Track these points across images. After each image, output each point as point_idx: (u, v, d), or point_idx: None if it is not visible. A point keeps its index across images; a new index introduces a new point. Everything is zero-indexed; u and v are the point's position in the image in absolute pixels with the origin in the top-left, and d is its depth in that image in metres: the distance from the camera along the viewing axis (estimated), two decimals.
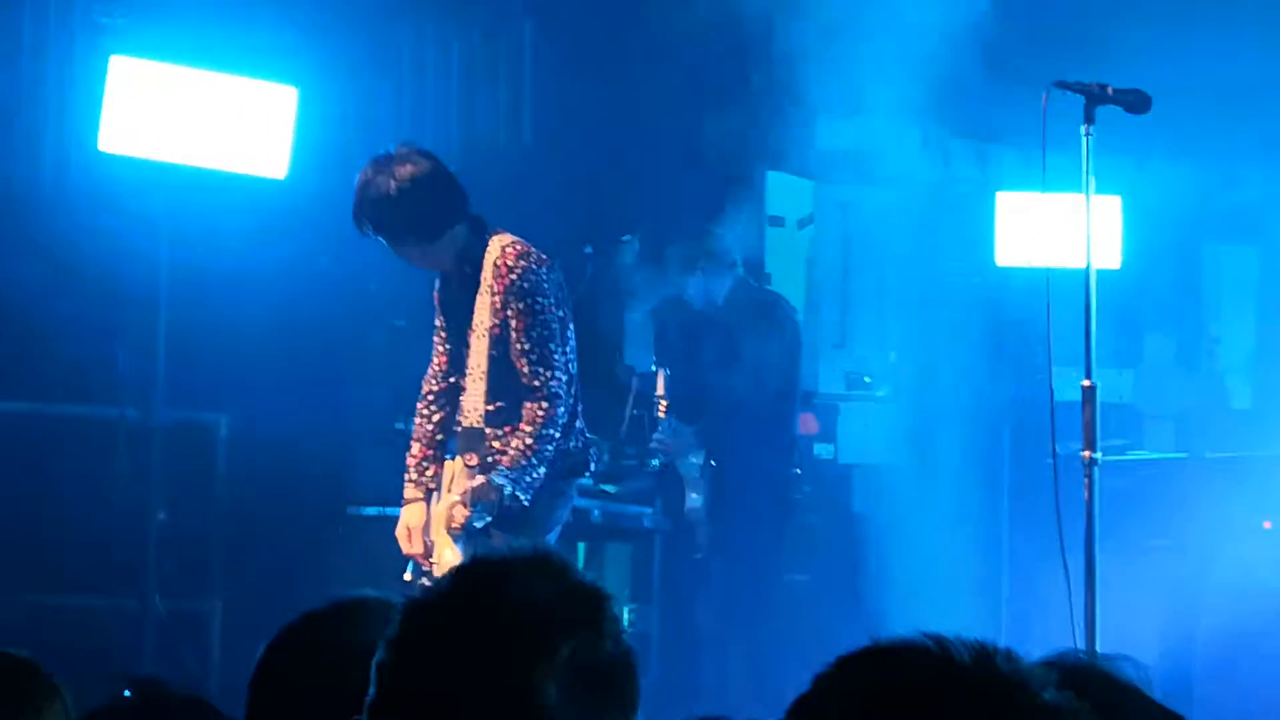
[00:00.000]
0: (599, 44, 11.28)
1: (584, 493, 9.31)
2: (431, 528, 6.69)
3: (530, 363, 6.53)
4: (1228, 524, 8.77)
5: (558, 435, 6.57)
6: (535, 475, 6.54)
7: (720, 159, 11.12)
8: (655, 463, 9.80)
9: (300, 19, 8.89)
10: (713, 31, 10.94)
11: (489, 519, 6.53)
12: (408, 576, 6.68)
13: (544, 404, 6.50)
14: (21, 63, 9.99)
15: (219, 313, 8.73)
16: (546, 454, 6.57)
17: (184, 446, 8.59)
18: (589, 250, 8.34)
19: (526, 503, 6.54)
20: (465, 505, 6.52)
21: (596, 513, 8.87)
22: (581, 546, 9.52)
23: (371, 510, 8.83)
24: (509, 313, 6.52)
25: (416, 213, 6.51)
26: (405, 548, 6.75)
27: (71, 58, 9.86)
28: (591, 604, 2.21)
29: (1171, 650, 8.68)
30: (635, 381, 10.12)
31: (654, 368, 9.74)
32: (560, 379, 6.58)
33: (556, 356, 6.57)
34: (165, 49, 8.18)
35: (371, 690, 2.18)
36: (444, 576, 2.26)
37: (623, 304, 10.60)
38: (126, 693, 2.82)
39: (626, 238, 8.81)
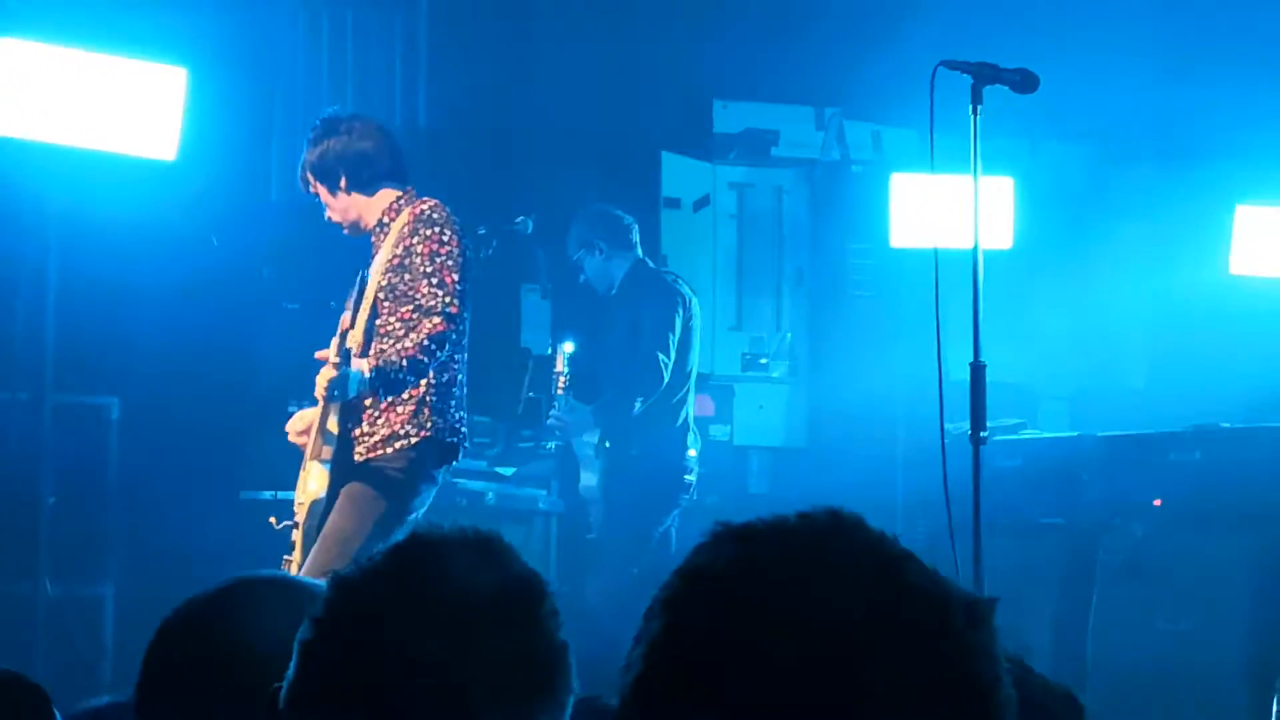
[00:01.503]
0: (494, 24, 11.24)
1: (479, 475, 9.30)
2: (304, 457, 6.74)
3: (430, 284, 6.62)
4: (1120, 502, 8.84)
5: (439, 353, 6.57)
6: (399, 377, 6.58)
7: (615, 140, 11.12)
8: (551, 445, 9.80)
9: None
10: (609, 12, 10.94)
11: (349, 393, 6.58)
12: (273, 520, 6.71)
13: (436, 319, 6.56)
14: None
15: (109, 295, 8.65)
16: (420, 367, 6.59)
17: (75, 429, 8.51)
18: (482, 231, 8.31)
19: (383, 397, 6.64)
20: (323, 382, 6.57)
21: (491, 495, 8.86)
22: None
23: (265, 494, 8.77)
24: (415, 239, 6.66)
25: (360, 158, 6.81)
26: (293, 430, 6.86)
27: None
28: (529, 595, 2.13)
29: (1063, 628, 8.75)
30: (531, 363, 10.11)
31: (550, 349, 9.74)
32: (457, 305, 6.64)
33: (458, 286, 6.65)
34: (52, 30, 8.09)
35: (292, 668, 2.10)
36: (378, 554, 2.15)
37: (517, 285, 10.58)
38: None
39: (521, 219, 8.78)
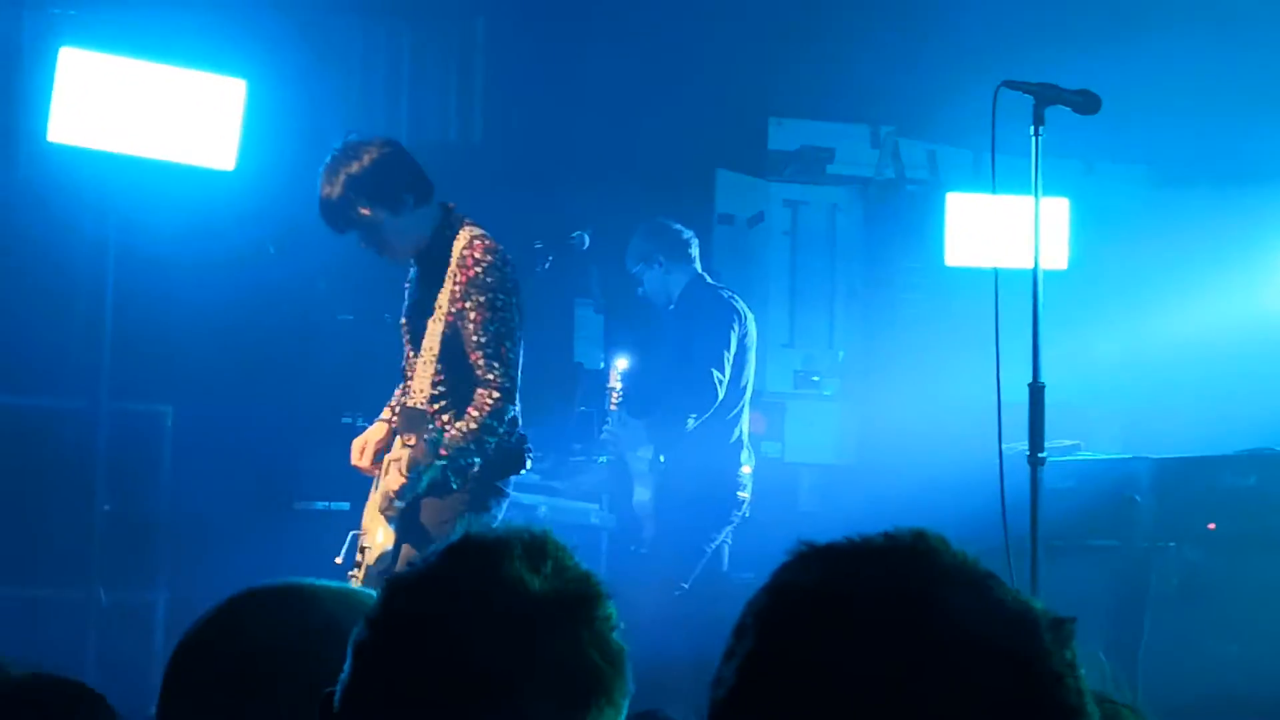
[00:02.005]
0: (550, 40, 11.28)
1: (531, 488, 9.31)
2: (367, 512, 6.72)
3: (485, 356, 6.57)
4: (1173, 525, 8.80)
5: (501, 431, 6.58)
6: (470, 462, 6.57)
7: (670, 156, 11.13)
8: (603, 459, 9.81)
9: (251, 12, 8.87)
10: (665, 29, 10.96)
11: (420, 490, 6.54)
12: (339, 560, 6.72)
13: (495, 393, 6.54)
14: None
15: (166, 304, 8.71)
16: (486, 446, 6.58)
17: (130, 437, 8.56)
18: (539, 245, 8.34)
19: (455, 486, 6.58)
20: (402, 471, 6.53)
21: (543, 508, 8.87)
22: None
23: (318, 504, 8.81)
24: (468, 304, 6.55)
25: (383, 182, 6.59)
26: (354, 458, 6.82)
27: (21, 48, 9.82)
28: (585, 598, 2.11)
29: (1115, 651, 8.72)
30: (583, 377, 10.12)
31: (603, 364, 9.75)
32: (512, 376, 6.62)
33: (510, 354, 6.61)
34: (115, 41, 8.16)
35: (347, 669, 2.09)
36: (432, 556, 2.13)
37: (571, 300, 10.60)
38: None
39: (577, 234, 8.79)
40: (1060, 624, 1.63)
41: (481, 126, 11.32)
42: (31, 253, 8.82)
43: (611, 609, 2.13)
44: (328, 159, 6.65)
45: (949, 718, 1.56)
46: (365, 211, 6.58)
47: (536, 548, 2.12)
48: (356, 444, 6.87)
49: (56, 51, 8.01)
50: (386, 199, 6.60)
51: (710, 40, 11.03)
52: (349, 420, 9.19)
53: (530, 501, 9.18)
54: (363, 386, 9.10)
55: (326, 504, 8.73)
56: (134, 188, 8.25)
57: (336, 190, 6.56)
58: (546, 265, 8.61)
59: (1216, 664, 8.35)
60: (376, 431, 6.87)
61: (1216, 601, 8.46)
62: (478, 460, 6.59)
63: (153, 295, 8.57)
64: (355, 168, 6.57)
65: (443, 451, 6.50)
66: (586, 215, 10.02)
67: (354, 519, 7.22)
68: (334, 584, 2.63)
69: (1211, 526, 8.66)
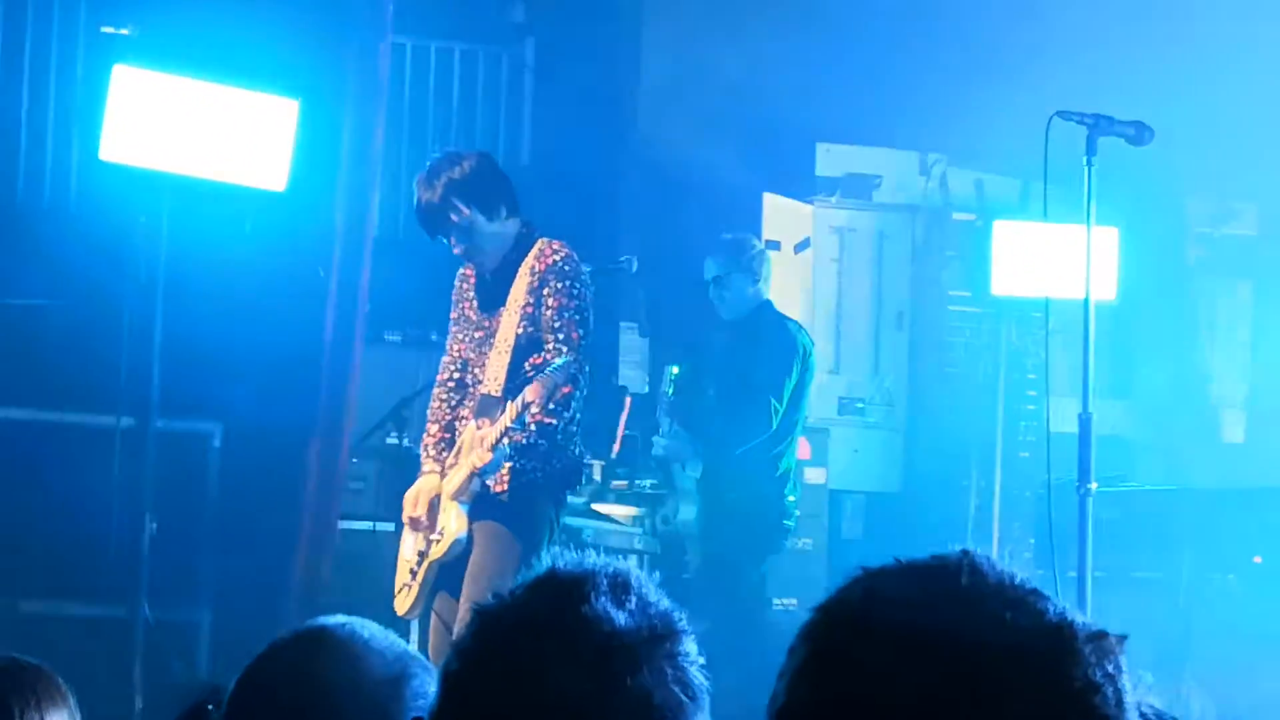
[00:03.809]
0: (599, 62, 11.30)
1: (576, 512, 9.32)
2: (441, 497, 7.03)
3: (557, 340, 6.90)
4: (1218, 558, 8.77)
5: (566, 416, 6.80)
6: (533, 444, 6.88)
7: (717, 180, 11.13)
8: (647, 484, 9.81)
9: (303, 33, 8.89)
10: (712, 54, 10.97)
11: (502, 466, 6.84)
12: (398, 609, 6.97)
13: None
14: (25, 70, 10.02)
15: (214, 324, 8.73)
16: (551, 431, 6.86)
17: (177, 455, 8.59)
18: (588, 269, 8.36)
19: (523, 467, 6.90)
20: (488, 447, 6.81)
21: (588, 531, 8.87)
22: None
23: (363, 525, 8.83)
24: (546, 290, 6.90)
25: (481, 187, 7.04)
26: (409, 509, 7.13)
27: (75, 66, 9.89)
28: (668, 636, 2.11)
29: (1160, 687, 8.67)
30: (628, 401, 10.13)
31: (647, 388, 9.75)
32: (582, 364, 6.91)
33: (583, 342, 6.93)
34: (169, 59, 8.20)
35: (436, 696, 2.12)
36: (520, 587, 2.16)
37: (615, 323, 10.61)
38: (210, 707, 2.80)
39: (626, 257, 8.81)
40: (1102, 636, 1.66)
41: (529, 148, 11.35)
42: (82, 271, 8.86)
43: (693, 645, 2.13)
44: (426, 168, 7.09)
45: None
46: (464, 213, 6.99)
47: (621, 582, 2.13)
48: (409, 497, 7.16)
49: (110, 69, 8.05)
50: (483, 203, 7.01)
51: (759, 65, 11.03)
52: (394, 441, 9.22)
53: (576, 525, 9.18)
54: (406, 407, 9.13)
55: (372, 525, 8.74)
56: (185, 206, 8.28)
57: (437, 194, 6.99)
58: (594, 288, 8.63)
59: (1263, 699, 8.31)
60: (427, 482, 7.16)
61: (1262, 634, 8.43)
62: (543, 443, 6.91)
63: (202, 314, 8.60)
64: (457, 173, 6.99)
65: (519, 437, 6.77)
66: (632, 239, 10.04)
67: (399, 540, 7.29)
68: (388, 634, 2.68)
69: (1258, 560, 8.64)
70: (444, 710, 2.12)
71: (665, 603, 2.16)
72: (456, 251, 7.11)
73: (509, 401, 6.80)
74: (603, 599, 2.11)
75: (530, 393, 6.67)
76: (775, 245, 11.53)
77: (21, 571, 8.46)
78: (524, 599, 2.14)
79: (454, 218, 6.99)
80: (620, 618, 2.09)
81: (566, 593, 2.11)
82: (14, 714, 3.02)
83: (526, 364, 6.91)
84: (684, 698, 2.09)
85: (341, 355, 8.92)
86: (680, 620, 2.15)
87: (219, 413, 8.88)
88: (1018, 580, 1.70)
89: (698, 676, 2.12)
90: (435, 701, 2.13)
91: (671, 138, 10.99)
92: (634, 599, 2.12)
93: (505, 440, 6.79)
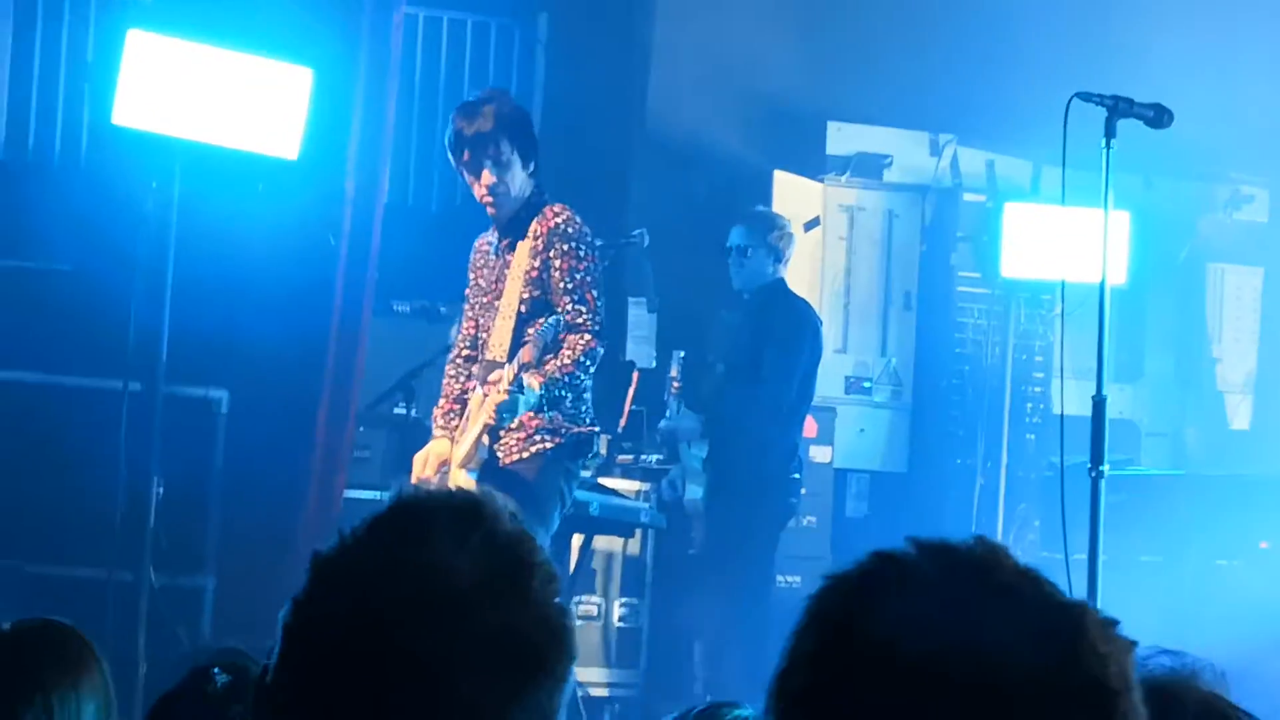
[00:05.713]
0: (612, 37, 11.29)
1: (582, 486, 9.32)
2: (450, 464, 7.07)
3: (573, 300, 6.92)
4: (1223, 542, 8.77)
5: (592, 369, 6.81)
6: (562, 394, 6.90)
7: (727, 157, 11.13)
8: (653, 459, 9.82)
9: (317, 2, 8.88)
10: (724, 31, 10.96)
11: (518, 415, 6.83)
12: None
13: (585, 335, 6.82)
14: (39, 34, 10.01)
15: (224, 290, 8.72)
16: (578, 382, 6.90)
17: (185, 421, 8.58)
18: (600, 243, 8.36)
19: (546, 417, 6.90)
20: (492, 411, 6.83)
21: (595, 506, 8.87)
22: (578, 539, 9.51)
23: (369, 494, 8.83)
24: (552, 253, 6.88)
25: (525, 129, 7.12)
26: (418, 470, 7.17)
27: (89, 30, 9.88)
28: (518, 567, 2.01)
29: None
30: (635, 376, 10.12)
31: (654, 363, 9.75)
32: (600, 320, 6.95)
33: (598, 301, 6.93)
34: (183, 25, 8.18)
35: (275, 648, 2.01)
36: (360, 526, 2.03)
37: (624, 298, 10.60)
38: (216, 670, 2.78)
39: (638, 232, 8.82)
40: (1112, 622, 1.69)
41: (540, 122, 11.34)
42: (91, 234, 8.86)
43: (548, 575, 2.03)
44: (466, 101, 7.12)
45: (998, 696, 1.61)
46: (505, 150, 6.99)
47: (467, 515, 2.03)
48: (419, 458, 7.16)
49: (124, 34, 8.04)
50: (523, 147, 7.05)
51: (772, 43, 11.02)
52: (402, 411, 9.22)
53: (583, 498, 9.19)
54: (415, 378, 9.14)
55: (378, 493, 8.74)
56: (196, 172, 8.27)
57: (488, 124, 6.97)
58: (607, 263, 8.64)
59: (1268, 685, 8.31)
60: (438, 445, 7.17)
61: (1268, 621, 8.43)
62: (568, 395, 6.91)
63: (211, 280, 8.58)
64: (505, 108, 7.03)
65: (540, 378, 6.68)
66: (641, 214, 10.03)
67: None
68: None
69: (1264, 545, 8.64)
70: (284, 665, 2.01)
71: (515, 528, 2.05)
72: (482, 187, 7.05)
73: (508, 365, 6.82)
74: (444, 538, 2.00)
75: (525, 354, 6.67)
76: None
77: (28, 534, 8.46)
78: (362, 541, 2.03)
79: (498, 151, 6.98)
80: (462, 559, 1.98)
81: (403, 533, 2.02)
82: (46, 690, 3.01)
83: (530, 329, 6.89)
84: (535, 634, 2.00)
85: (351, 323, 8.91)
86: (532, 551, 2.04)
87: (227, 379, 8.87)
88: (1027, 567, 1.72)
89: (554, 609, 2.03)
90: (275, 654, 2.02)
91: (683, 114, 10.98)
92: (478, 535, 2.01)
93: (533, 384, 6.75)
